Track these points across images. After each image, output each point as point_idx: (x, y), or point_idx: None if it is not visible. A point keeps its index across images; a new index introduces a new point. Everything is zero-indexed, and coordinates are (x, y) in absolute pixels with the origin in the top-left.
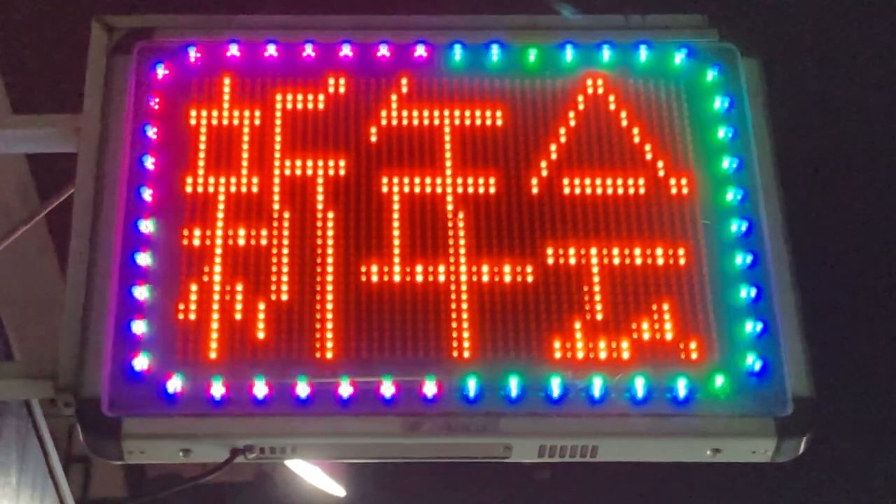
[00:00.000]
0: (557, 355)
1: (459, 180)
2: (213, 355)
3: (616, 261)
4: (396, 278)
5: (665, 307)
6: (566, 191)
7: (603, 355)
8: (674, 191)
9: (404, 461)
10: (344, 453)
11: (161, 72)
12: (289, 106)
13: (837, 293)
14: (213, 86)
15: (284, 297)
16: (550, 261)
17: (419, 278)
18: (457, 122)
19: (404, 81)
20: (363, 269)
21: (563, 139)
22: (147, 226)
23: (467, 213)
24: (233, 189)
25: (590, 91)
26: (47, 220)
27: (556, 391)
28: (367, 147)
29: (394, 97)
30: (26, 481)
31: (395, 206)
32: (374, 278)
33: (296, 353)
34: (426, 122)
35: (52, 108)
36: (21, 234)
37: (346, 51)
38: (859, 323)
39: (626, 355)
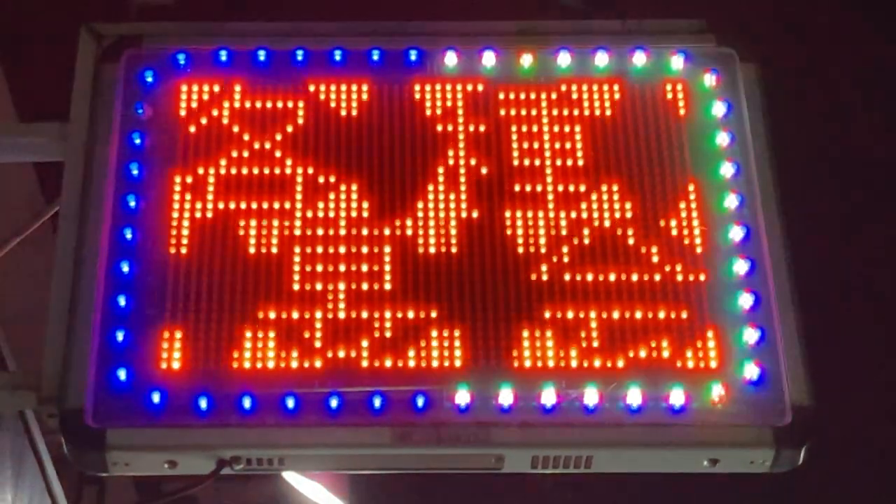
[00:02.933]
0: (551, 364)
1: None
2: (198, 365)
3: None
4: (387, 286)
5: (661, 315)
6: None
7: (597, 364)
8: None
9: (394, 472)
10: (333, 464)
11: (149, 79)
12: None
13: (838, 300)
14: (201, 93)
15: (272, 307)
16: (545, 266)
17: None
18: (449, 128)
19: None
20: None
21: (556, 146)
22: (133, 235)
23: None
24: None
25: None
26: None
27: (548, 401)
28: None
29: None
30: (22, 498)
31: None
32: (364, 286)
33: (284, 363)
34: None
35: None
36: (25, 244)
37: (337, 57)
38: (861, 330)
39: (620, 363)
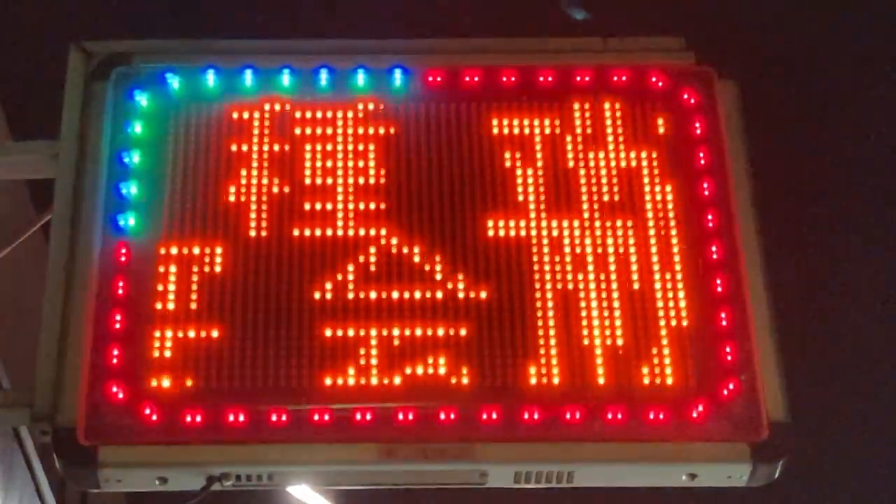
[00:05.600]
0: (533, 381)
1: None
2: (188, 383)
3: (592, 286)
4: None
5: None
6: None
7: (579, 381)
8: (650, 215)
9: (381, 487)
10: (321, 480)
11: (139, 97)
12: (266, 131)
13: (816, 316)
14: (191, 111)
15: (260, 325)
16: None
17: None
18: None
19: (382, 106)
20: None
21: (539, 163)
22: (124, 252)
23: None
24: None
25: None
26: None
27: (531, 417)
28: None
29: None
30: (12, 500)
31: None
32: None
33: (272, 381)
34: None
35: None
36: (17, 257)
37: (324, 76)
38: (840, 345)
39: (601, 381)
